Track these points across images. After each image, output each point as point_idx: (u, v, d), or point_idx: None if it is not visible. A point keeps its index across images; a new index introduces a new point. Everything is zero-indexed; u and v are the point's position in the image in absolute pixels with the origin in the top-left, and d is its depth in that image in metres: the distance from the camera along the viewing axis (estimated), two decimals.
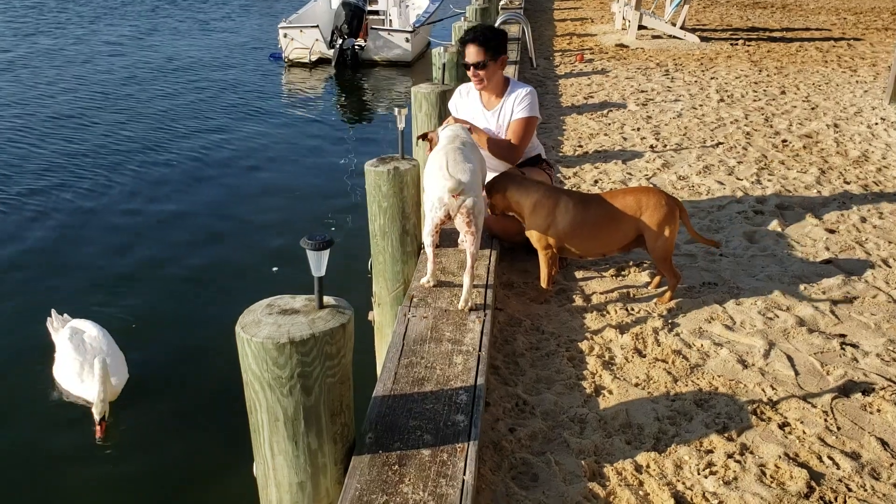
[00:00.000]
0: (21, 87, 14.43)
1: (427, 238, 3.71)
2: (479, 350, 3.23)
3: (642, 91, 10.02)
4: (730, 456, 2.95)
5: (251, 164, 10.47)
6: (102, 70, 16.17)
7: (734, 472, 2.87)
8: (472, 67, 4.50)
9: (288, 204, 9.12)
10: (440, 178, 3.55)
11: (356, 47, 17.13)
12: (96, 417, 5.10)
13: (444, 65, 6.56)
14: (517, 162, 4.61)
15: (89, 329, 5.65)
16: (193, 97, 14.04)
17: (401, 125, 4.15)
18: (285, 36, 17.23)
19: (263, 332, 2.39)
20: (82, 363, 5.39)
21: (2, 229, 8.21)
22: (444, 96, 5.72)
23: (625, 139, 7.74)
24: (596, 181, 6.31)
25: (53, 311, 5.96)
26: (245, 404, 2.54)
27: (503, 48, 4.53)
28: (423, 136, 4.23)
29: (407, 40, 17.15)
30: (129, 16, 24.05)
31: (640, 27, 14.50)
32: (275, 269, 7.33)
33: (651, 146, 7.47)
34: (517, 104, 4.52)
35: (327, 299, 2.57)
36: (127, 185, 9.54)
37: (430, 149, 4.09)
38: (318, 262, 2.52)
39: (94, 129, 11.88)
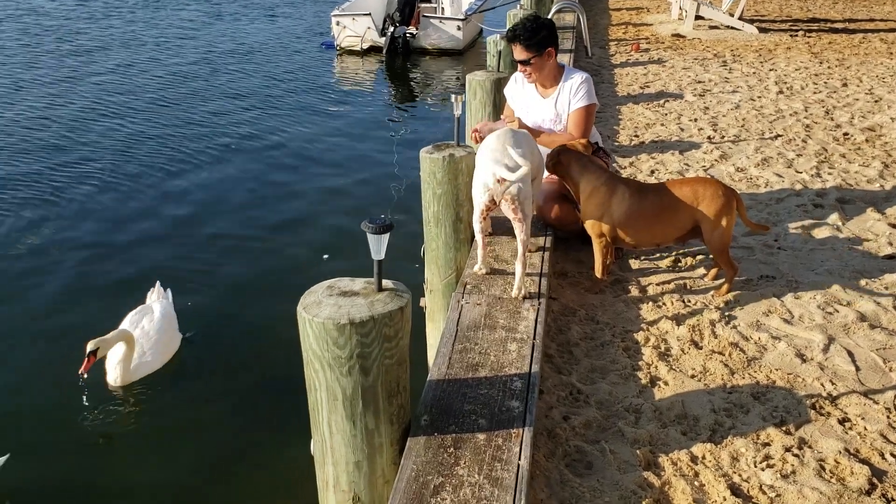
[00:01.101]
0: (97, 69, 14.78)
1: (476, 224, 3.69)
2: (534, 338, 3.23)
3: (699, 81, 9.87)
4: (787, 450, 2.91)
5: (302, 152, 10.57)
6: (169, 54, 16.47)
7: (792, 465, 2.83)
8: (519, 63, 4.52)
9: (338, 191, 9.19)
10: (487, 163, 3.54)
11: (407, 35, 17.15)
12: (88, 349, 5.19)
13: (499, 52, 6.54)
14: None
15: (155, 313, 5.78)
16: (248, 83, 14.22)
17: (457, 112, 4.15)
18: (338, 24, 17.32)
19: (324, 312, 2.43)
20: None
21: (88, 206, 8.43)
22: (500, 84, 5.71)
23: (682, 129, 7.64)
24: (652, 171, 6.24)
25: (158, 283, 6.19)
26: (304, 383, 2.59)
27: (548, 41, 4.48)
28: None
29: (458, 28, 17.12)
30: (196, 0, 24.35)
31: (698, 17, 14.26)
32: (325, 256, 7.40)
33: (708, 137, 7.35)
34: (574, 94, 4.48)
35: (386, 282, 2.60)
36: (182, 168, 9.71)
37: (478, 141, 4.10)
38: (378, 246, 2.54)
39: (162, 111, 12.11)
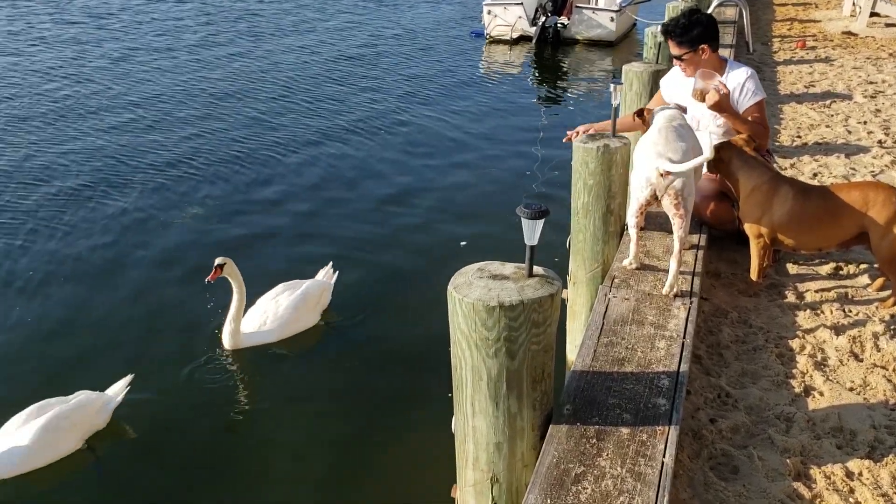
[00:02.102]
0: (269, 49, 15.56)
1: (631, 219, 3.64)
2: (684, 337, 3.15)
3: (871, 82, 9.26)
4: None
5: (448, 138, 10.71)
6: (337, 38, 17.10)
7: None
8: (674, 58, 4.41)
9: (481, 178, 9.26)
10: (650, 157, 3.47)
11: (558, 25, 17.00)
12: (216, 262, 5.62)
13: (658, 44, 6.38)
14: (765, 148, 4.41)
15: (297, 290, 6.02)
16: (398, 69, 14.53)
17: (615, 102, 4.08)
18: (489, 13, 17.38)
19: (474, 293, 2.46)
20: (264, 309, 5.91)
21: (255, 177, 8.93)
22: (657, 76, 5.57)
23: (849, 132, 7.20)
24: (815, 174, 5.93)
25: (330, 264, 6.55)
26: (445, 361, 2.64)
27: (703, 38, 4.32)
28: (640, 113, 4.15)
29: (612, 19, 16.81)
30: None
31: (873, 14, 13.36)
32: (463, 243, 7.48)
33: (879, 141, 6.89)
34: (741, 91, 4.31)
35: (537, 269, 2.60)
36: (334, 151, 10.05)
37: (643, 128, 4.01)
38: (532, 231, 2.55)
39: (319, 92, 12.60)
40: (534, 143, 10.57)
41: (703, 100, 4.03)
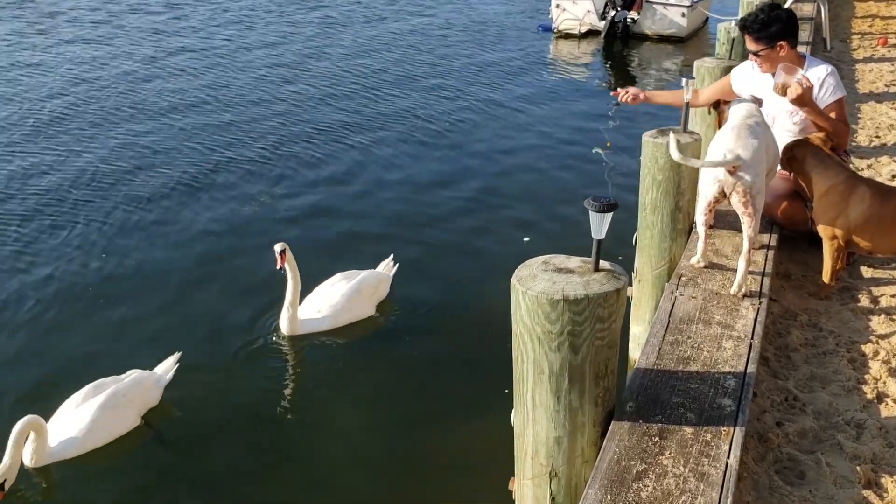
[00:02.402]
0: (342, 40, 15.76)
1: (700, 216, 3.58)
2: (752, 338, 3.08)
3: None
4: None
5: (512, 132, 10.66)
6: (406, 28, 17.20)
7: None
8: (750, 54, 4.30)
9: (544, 173, 9.20)
10: (719, 153, 3.40)
11: (628, 20, 16.76)
12: (277, 249, 5.69)
13: (731, 40, 6.24)
14: (844, 147, 4.29)
15: (353, 280, 6.09)
16: (464, 63, 14.51)
17: (687, 97, 4.01)
18: (557, 6, 17.23)
19: (538, 286, 2.45)
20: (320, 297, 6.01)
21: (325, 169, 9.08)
22: (730, 72, 5.46)
23: None
24: (894, 176, 5.72)
25: (391, 256, 6.63)
26: (503, 354, 2.63)
27: (781, 34, 4.20)
28: (716, 105, 4.06)
29: (683, 15, 16.48)
30: None
31: None
32: (526, 239, 7.45)
33: None
34: (822, 88, 4.19)
35: (603, 263, 2.57)
36: (393, 146, 10.11)
37: (719, 123, 3.93)
38: (600, 225, 2.53)
39: (379, 83, 12.70)
40: (600, 139, 10.46)
41: (784, 94, 3.92)
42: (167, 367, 5.31)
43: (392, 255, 6.62)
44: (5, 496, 4.26)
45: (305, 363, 5.71)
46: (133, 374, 5.08)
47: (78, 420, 4.74)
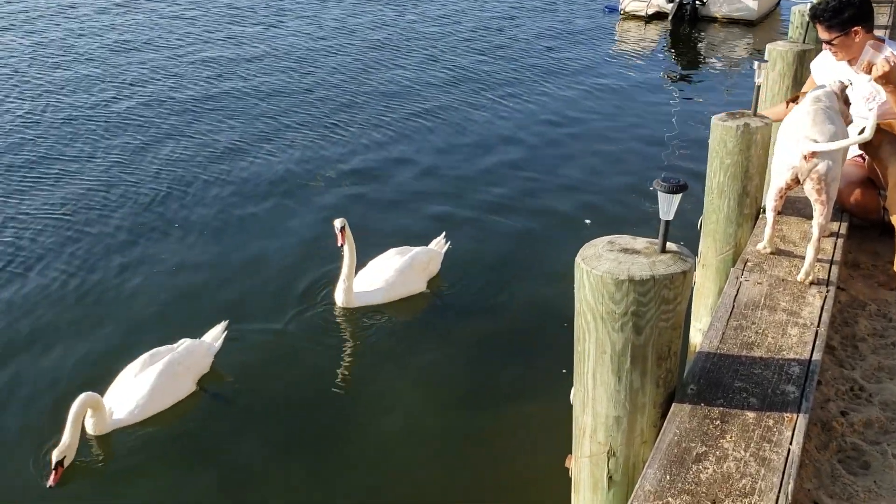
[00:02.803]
0: (403, 22, 15.82)
1: (770, 202, 3.53)
2: (818, 325, 3.04)
3: None
4: None
5: (576, 114, 10.60)
6: (459, 10, 17.17)
7: None
8: (824, 43, 4.18)
9: (608, 156, 9.14)
10: (794, 138, 3.34)
11: (697, 2, 16.45)
12: (337, 226, 5.83)
13: (805, 24, 6.09)
14: None
15: (406, 256, 6.19)
16: (531, 43, 14.44)
17: (759, 80, 3.95)
18: None
19: (603, 266, 2.45)
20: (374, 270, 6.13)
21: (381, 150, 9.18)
22: (803, 57, 5.34)
23: None
24: None
25: (444, 234, 6.76)
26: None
27: (855, 20, 4.05)
28: (794, 99, 3.98)
29: None
30: None
31: None
32: (587, 221, 7.42)
33: None
34: None
35: (670, 245, 2.57)
36: (463, 119, 10.13)
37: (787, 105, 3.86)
38: (669, 206, 2.52)
39: (449, 63, 12.72)
40: (666, 121, 10.33)
41: (869, 71, 3.80)
42: (216, 335, 5.45)
43: (444, 233, 6.66)
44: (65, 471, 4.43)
45: (359, 335, 5.82)
46: (186, 343, 5.25)
47: (138, 388, 4.92)
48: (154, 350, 5.13)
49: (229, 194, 7.88)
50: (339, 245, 5.75)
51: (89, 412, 4.68)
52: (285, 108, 10.35)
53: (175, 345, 5.22)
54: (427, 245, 6.49)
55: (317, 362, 5.46)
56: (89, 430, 4.73)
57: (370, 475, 4.55)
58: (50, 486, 4.32)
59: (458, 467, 4.57)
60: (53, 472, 4.34)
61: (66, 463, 4.42)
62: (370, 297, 5.97)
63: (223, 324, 5.53)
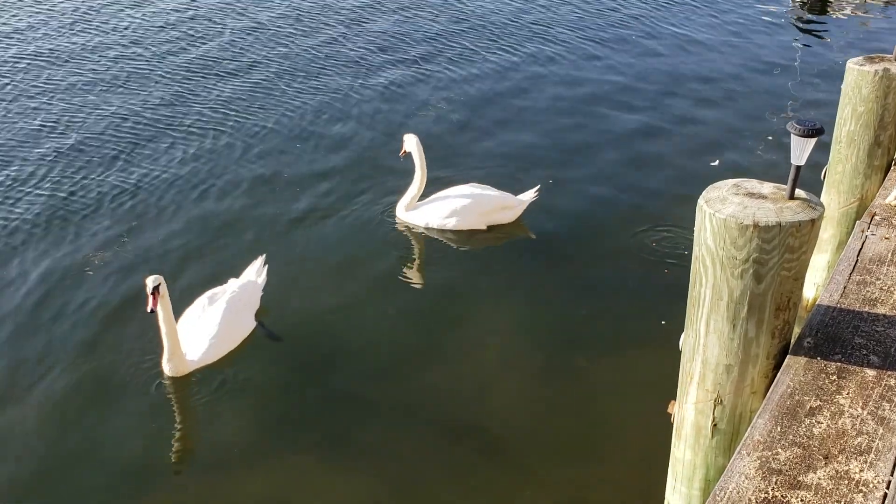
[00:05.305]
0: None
1: None
2: None
3: None
4: None
5: (697, 60, 10.15)
6: None
7: None
8: None
9: (736, 100, 8.77)
10: None
11: None
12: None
13: None
14: None
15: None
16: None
17: None
18: None
19: (728, 209, 2.38)
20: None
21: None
22: None
23: None
24: None
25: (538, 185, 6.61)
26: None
27: None
28: None
29: None
30: None
31: None
32: (713, 163, 7.19)
33: None
34: None
35: (799, 192, 2.46)
36: (586, 58, 9.88)
37: None
38: (802, 150, 2.41)
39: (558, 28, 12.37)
40: (790, 65, 9.82)
41: None
42: (257, 270, 5.38)
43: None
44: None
45: (434, 263, 5.90)
46: (237, 281, 5.22)
47: (207, 329, 4.89)
48: (210, 292, 5.10)
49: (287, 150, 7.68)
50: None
51: (165, 356, 4.68)
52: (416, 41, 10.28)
53: (226, 285, 5.18)
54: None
55: (407, 294, 5.54)
56: (168, 372, 4.73)
57: (465, 408, 4.56)
58: (151, 311, 4.46)
59: (557, 405, 4.55)
60: (150, 296, 4.45)
61: (162, 291, 4.50)
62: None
63: (261, 258, 5.46)
